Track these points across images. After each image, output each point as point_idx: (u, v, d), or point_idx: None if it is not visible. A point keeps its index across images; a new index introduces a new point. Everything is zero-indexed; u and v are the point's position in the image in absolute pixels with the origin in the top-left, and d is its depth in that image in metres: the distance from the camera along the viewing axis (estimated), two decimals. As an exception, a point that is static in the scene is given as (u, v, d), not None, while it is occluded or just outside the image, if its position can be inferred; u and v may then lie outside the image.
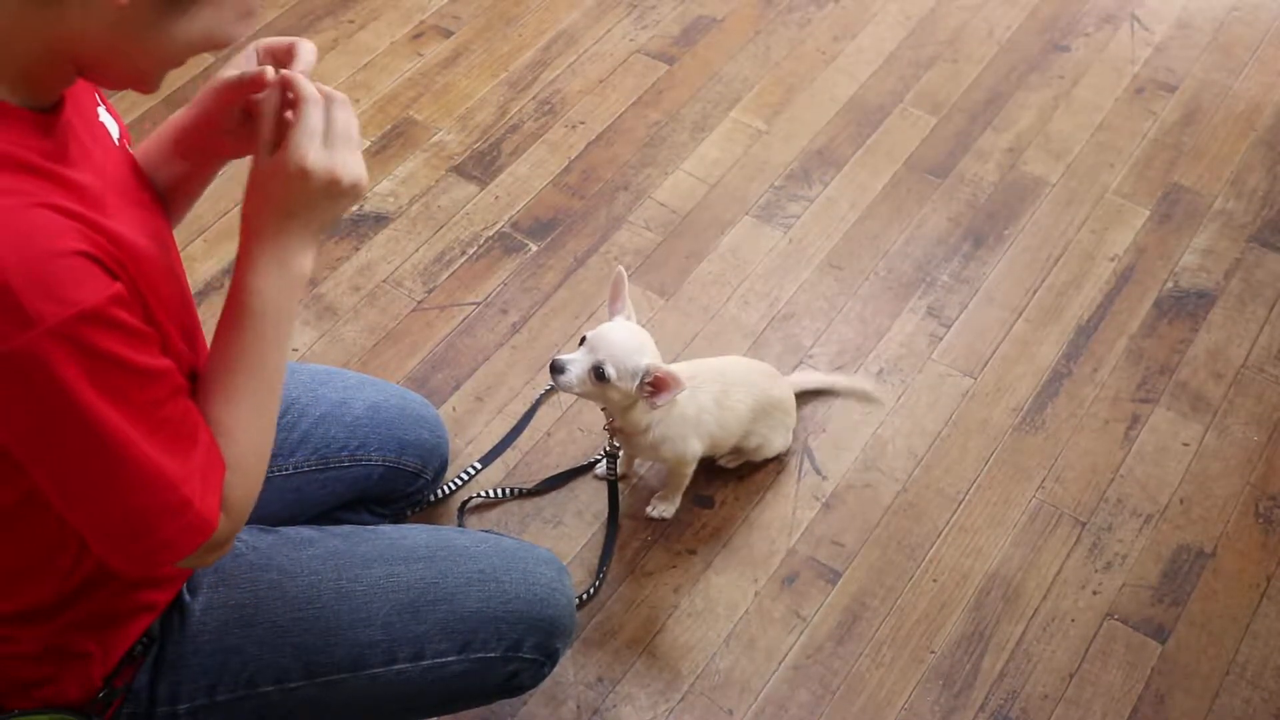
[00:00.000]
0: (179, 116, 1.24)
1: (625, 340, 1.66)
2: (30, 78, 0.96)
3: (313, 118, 1.08)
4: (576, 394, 1.68)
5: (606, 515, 1.94)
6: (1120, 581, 1.91)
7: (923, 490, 2.00)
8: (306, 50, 1.16)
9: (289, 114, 1.09)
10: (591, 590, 1.86)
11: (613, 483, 1.93)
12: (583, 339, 1.67)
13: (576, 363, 1.64)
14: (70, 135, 1.01)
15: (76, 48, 0.95)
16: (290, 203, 1.10)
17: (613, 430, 1.81)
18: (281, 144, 1.08)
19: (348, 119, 1.11)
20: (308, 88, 1.09)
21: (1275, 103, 2.63)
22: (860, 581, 1.90)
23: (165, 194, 1.26)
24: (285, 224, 1.11)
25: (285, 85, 1.10)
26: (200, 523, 1.03)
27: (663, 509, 1.95)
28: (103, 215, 0.97)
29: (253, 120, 1.15)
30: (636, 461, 2.02)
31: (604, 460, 1.99)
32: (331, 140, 1.09)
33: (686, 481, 1.91)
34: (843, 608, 1.87)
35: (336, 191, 1.10)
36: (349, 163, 1.10)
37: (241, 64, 1.18)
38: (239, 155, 1.23)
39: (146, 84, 1.02)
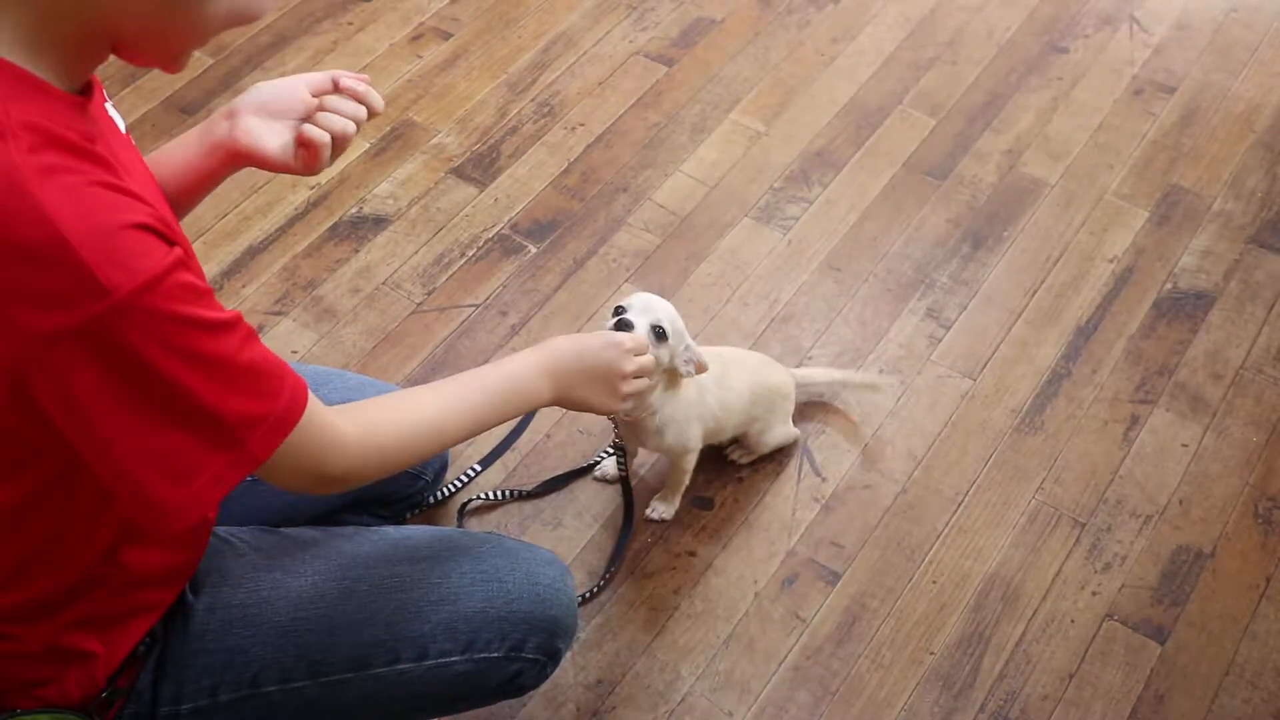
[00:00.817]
0: (220, 140, 1.32)
1: (668, 304, 1.67)
2: (71, 58, 0.98)
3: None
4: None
5: (623, 513, 1.94)
6: (1119, 582, 1.91)
7: (922, 492, 2.01)
8: (375, 101, 1.36)
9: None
10: (596, 588, 1.87)
11: (625, 479, 1.93)
12: (617, 309, 1.64)
13: (639, 322, 1.61)
14: (99, 120, 1.04)
15: (113, 24, 0.97)
16: (593, 370, 1.46)
17: (619, 419, 1.80)
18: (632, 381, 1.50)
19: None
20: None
21: (1274, 104, 2.63)
22: (860, 583, 1.90)
23: (180, 190, 1.32)
24: (568, 372, 1.43)
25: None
26: (245, 459, 1.05)
27: (663, 510, 1.95)
28: (139, 193, 0.99)
29: (303, 148, 1.32)
30: (635, 461, 2.02)
31: (605, 461, 1.99)
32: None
33: (687, 479, 1.91)
34: (842, 609, 1.87)
35: (615, 385, 1.48)
36: (607, 404, 1.49)
37: (300, 84, 1.34)
38: (272, 170, 1.34)
39: (176, 63, 1.05)
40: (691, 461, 1.88)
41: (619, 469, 1.92)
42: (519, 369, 1.40)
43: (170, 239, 0.97)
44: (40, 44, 0.95)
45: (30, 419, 0.96)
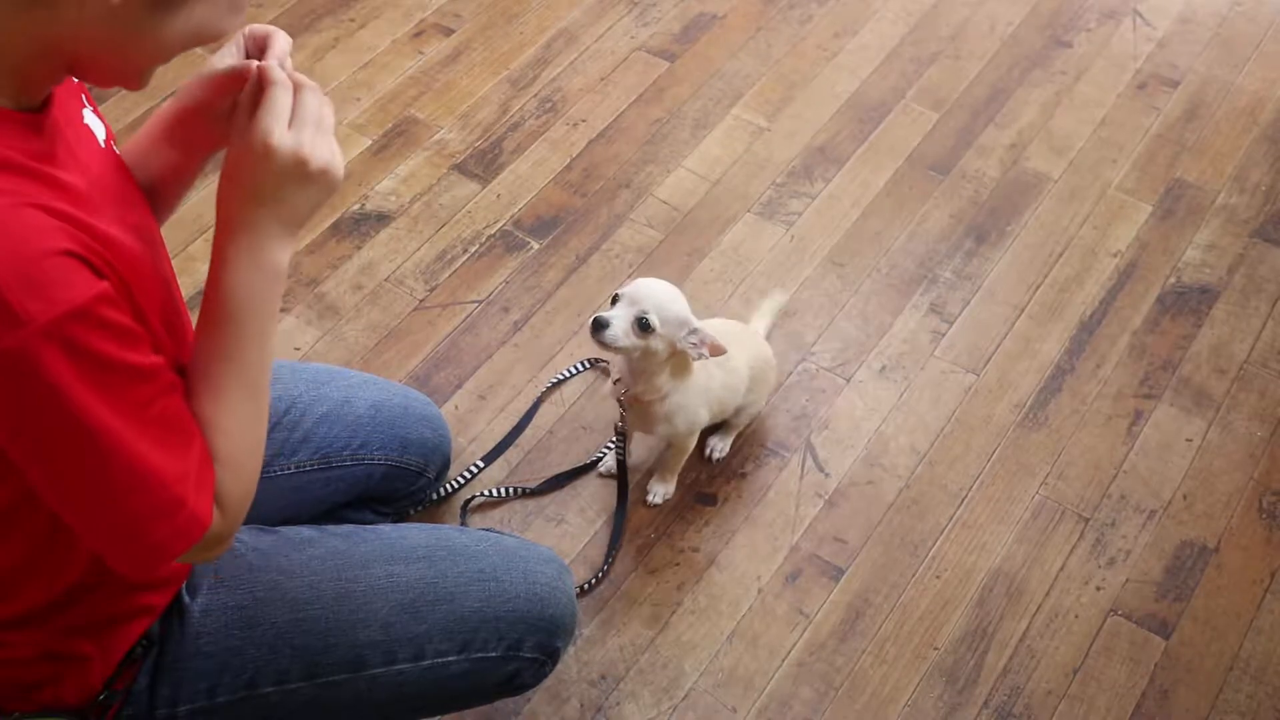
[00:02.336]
0: (168, 107, 1.24)
1: (663, 290, 1.66)
2: (20, 77, 0.95)
3: (279, 101, 1.06)
4: (621, 348, 1.64)
5: (616, 497, 1.94)
6: (1124, 577, 1.91)
7: (926, 487, 2.00)
8: (280, 40, 1.15)
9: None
10: (600, 574, 1.87)
11: (622, 462, 1.92)
12: (614, 297, 1.65)
13: (619, 317, 1.62)
14: (58, 136, 1.01)
15: (68, 46, 0.94)
16: (258, 187, 1.07)
17: (626, 401, 1.79)
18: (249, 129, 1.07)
19: (319, 104, 1.09)
20: (275, 72, 1.08)
21: (1278, 98, 2.62)
22: (863, 578, 1.90)
23: (155, 187, 1.25)
24: (255, 212, 1.08)
25: (261, 75, 1.09)
26: (193, 523, 1.02)
27: (663, 491, 1.95)
28: (90, 215, 0.96)
29: (233, 80, 1.14)
30: (633, 446, 2.01)
31: (608, 456, 1.99)
32: (300, 123, 1.07)
33: (685, 458, 1.91)
34: (846, 605, 1.87)
35: (304, 174, 1.07)
36: (318, 145, 1.08)
37: (231, 52, 1.17)
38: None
39: (136, 81, 1.02)
40: (693, 443, 1.88)
41: (617, 452, 1.91)
42: (209, 291, 1.11)
43: (100, 271, 0.93)
44: None
45: None
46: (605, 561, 1.88)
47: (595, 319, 1.62)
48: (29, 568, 1.11)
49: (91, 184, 1.02)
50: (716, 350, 1.67)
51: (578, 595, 1.86)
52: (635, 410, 1.79)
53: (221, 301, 1.09)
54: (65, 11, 0.91)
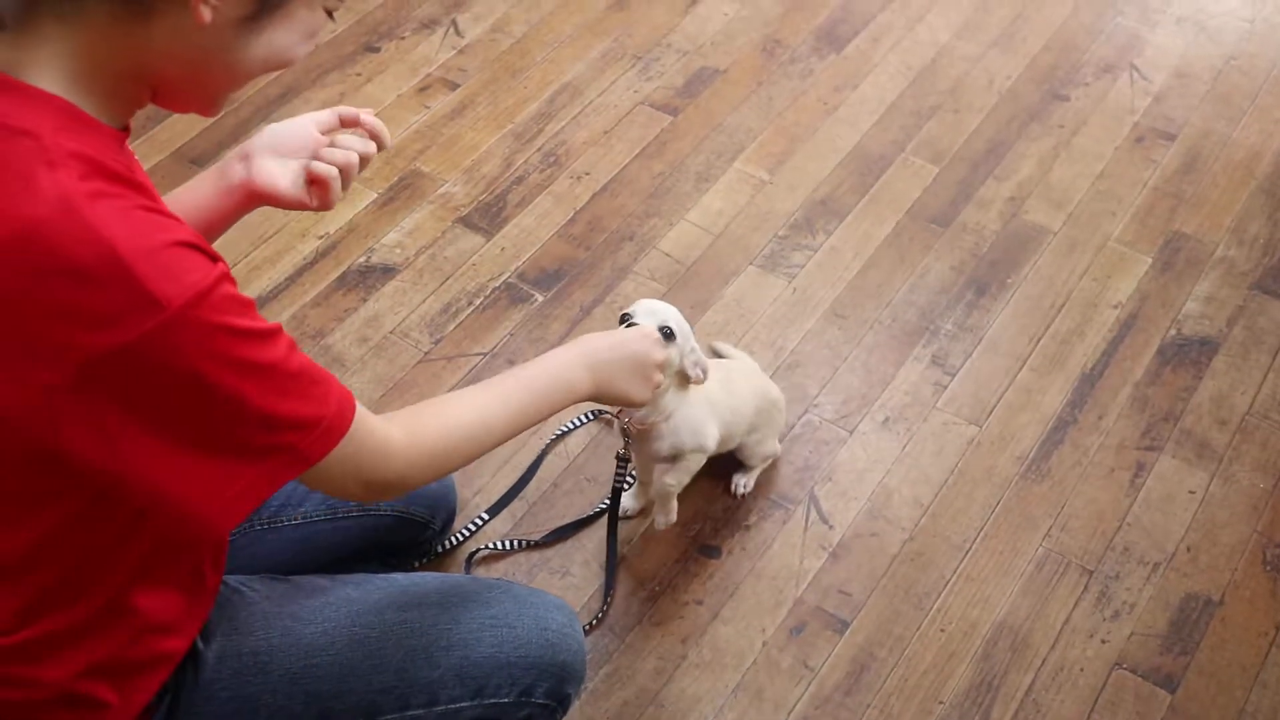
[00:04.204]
0: (236, 187, 1.37)
1: (671, 306, 1.71)
2: (114, 96, 1.02)
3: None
4: None
5: (607, 525, 1.92)
6: (1128, 630, 1.90)
7: (929, 539, 2.00)
8: (381, 130, 1.42)
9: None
10: (600, 615, 1.88)
11: (618, 490, 1.88)
12: (623, 318, 1.67)
13: (648, 324, 1.64)
14: (132, 156, 1.08)
15: (158, 67, 1.02)
16: (621, 358, 1.50)
17: (632, 429, 1.77)
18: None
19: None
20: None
21: (1274, 150, 2.65)
22: (868, 631, 1.89)
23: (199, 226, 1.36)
24: (600, 359, 1.47)
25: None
26: (298, 460, 1.08)
27: (664, 519, 1.89)
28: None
29: (314, 185, 1.37)
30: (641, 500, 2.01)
31: (624, 495, 1.98)
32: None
33: (688, 479, 1.85)
34: (850, 658, 1.86)
35: (648, 374, 1.53)
36: (642, 394, 1.54)
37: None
38: (287, 208, 1.39)
39: (213, 106, 1.10)
40: (700, 463, 1.84)
41: (616, 480, 1.87)
42: (558, 363, 1.44)
43: (213, 255, 1.00)
44: (88, 83, 0.99)
45: (65, 449, 0.98)
46: (603, 601, 1.89)
47: (629, 323, 1.65)
48: (56, 593, 1.12)
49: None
50: (704, 374, 1.73)
51: (591, 628, 1.87)
52: (642, 437, 1.78)
53: (529, 371, 1.42)
54: (160, 32, 0.98)
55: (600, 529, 1.99)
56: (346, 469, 1.14)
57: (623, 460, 1.87)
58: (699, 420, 1.79)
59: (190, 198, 1.37)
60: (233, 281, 1.02)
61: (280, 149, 1.37)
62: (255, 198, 1.36)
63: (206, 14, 0.97)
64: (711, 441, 1.82)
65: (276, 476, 1.08)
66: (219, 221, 1.38)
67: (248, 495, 1.07)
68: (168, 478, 1.03)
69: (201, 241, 1.00)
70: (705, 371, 1.73)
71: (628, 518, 2.00)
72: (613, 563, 1.92)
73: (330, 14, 1.08)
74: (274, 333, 1.05)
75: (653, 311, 1.67)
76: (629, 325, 1.63)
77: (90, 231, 0.92)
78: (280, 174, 1.35)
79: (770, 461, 2.06)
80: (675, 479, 1.84)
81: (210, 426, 1.02)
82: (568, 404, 1.43)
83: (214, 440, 1.03)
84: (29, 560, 1.08)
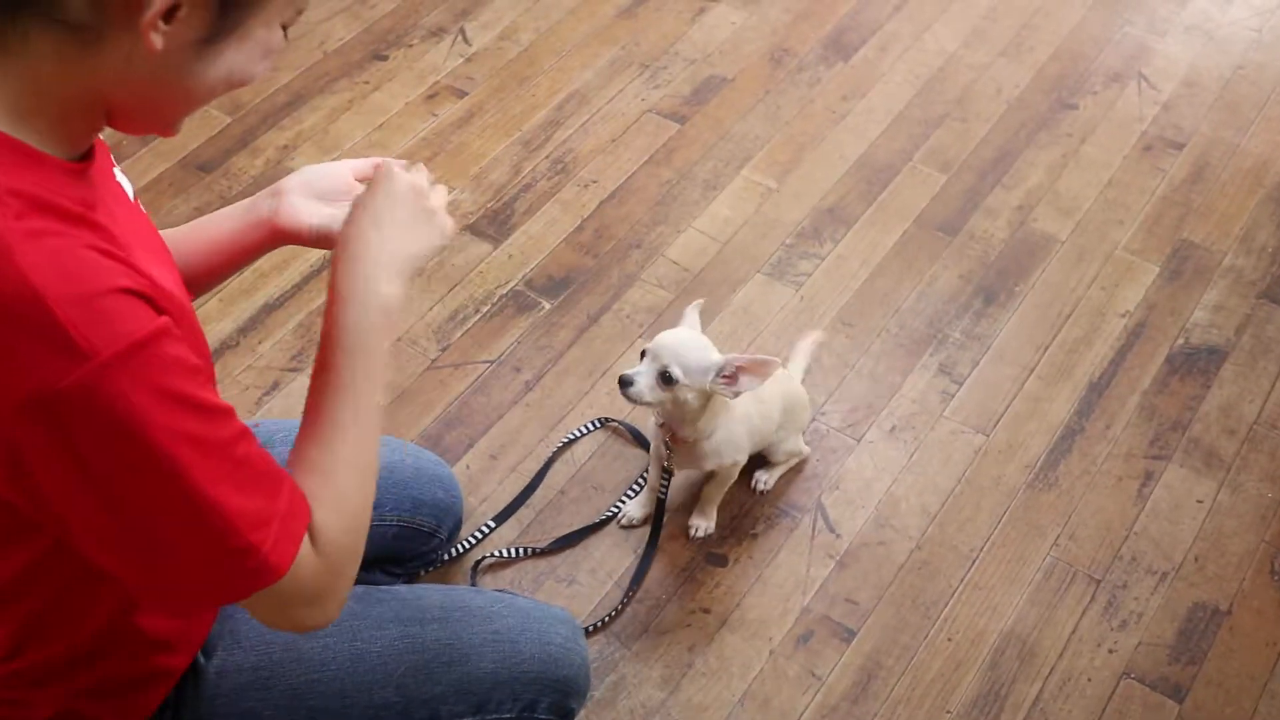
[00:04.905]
0: (262, 220, 1.34)
1: (685, 341, 1.71)
2: (67, 127, 0.96)
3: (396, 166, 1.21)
4: (648, 403, 1.71)
5: (649, 534, 1.95)
6: (1136, 640, 1.90)
7: (936, 548, 2.00)
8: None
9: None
10: (617, 609, 1.89)
11: (662, 501, 1.92)
12: (643, 353, 1.71)
13: (642, 374, 1.69)
14: (101, 186, 1.02)
15: (110, 94, 0.95)
16: (378, 211, 1.16)
17: (673, 443, 1.82)
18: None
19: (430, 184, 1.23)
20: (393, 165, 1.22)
21: (1283, 159, 2.65)
22: (875, 640, 1.89)
23: (219, 262, 1.35)
24: (372, 235, 1.15)
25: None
26: (262, 570, 0.99)
27: (705, 526, 1.99)
28: (135, 260, 0.96)
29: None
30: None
31: (628, 505, 2.01)
32: (417, 174, 1.22)
33: (725, 489, 1.97)
34: (858, 667, 1.86)
35: (422, 206, 1.19)
36: (434, 191, 1.22)
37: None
38: (312, 247, 1.35)
39: (170, 128, 1.04)
40: (735, 473, 1.93)
41: (661, 490, 1.91)
42: (347, 318, 1.13)
43: (159, 307, 0.93)
44: (31, 113, 0.93)
45: (24, 491, 0.93)
46: (627, 591, 1.91)
47: (621, 377, 1.70)
48: (49, 621, 1.11)
49: (130, 236, 1.02)
50: (759, 370, 1.68)
51: (599, 627, 1.88)
52: (681, 450, 1.83)
53: (334, 336, 1.12)
54: (111, 60, 0.92)
55: (606, 537, 2.00)
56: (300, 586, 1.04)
57: (667, 473, 1.89)
58: (740, 436, 1.84)
59: (215, 227, 1.35)
60: (178, 340, 0.93)
61: (313, 189, 1.34)
62: (279, 235, 1.33)
63: (158, 42, 0.90)
64: (744, 456, 1.89)
65: (235, 586, 0.99)
66: (240, 254, 1.36)
67: (202, 599, 0.99)
68: (104, 548, 0.96)
69: (152, 290, 0.93)
70: (752, 368, 1.68)
71: (634, 526, 2.01)
72: (645, 568, 1.94)
73: (285, 30, 1.01)
74: (222, 411, 0.97)
75: (657, 354, 1.69)
76: (621, 377, 1.69)
77: (16, 272, 0.85)
78: (307, 214, 1.32)
79: (796, 461, 2.07)
80: (718, 489, 1.96)
81: (146, 500, 0.93)
82: (393, 327, 1.17)
83: (153, 516, 0.94)
84: (13, 589, 1.06)
